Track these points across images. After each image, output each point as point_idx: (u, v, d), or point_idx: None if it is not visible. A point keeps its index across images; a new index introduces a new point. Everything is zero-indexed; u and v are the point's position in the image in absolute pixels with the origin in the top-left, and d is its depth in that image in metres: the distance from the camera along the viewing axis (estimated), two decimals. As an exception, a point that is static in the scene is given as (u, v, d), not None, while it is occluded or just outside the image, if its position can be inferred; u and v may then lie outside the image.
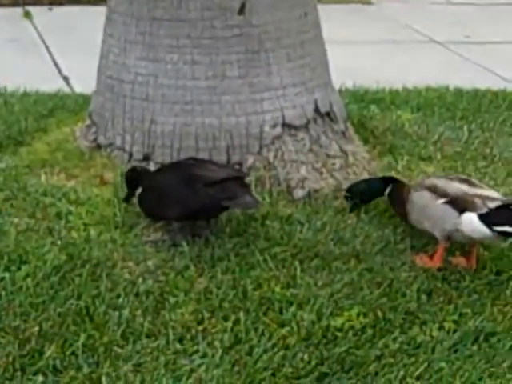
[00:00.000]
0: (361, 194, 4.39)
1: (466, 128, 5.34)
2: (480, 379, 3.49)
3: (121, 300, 3.75)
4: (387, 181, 4.36)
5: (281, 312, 3.75)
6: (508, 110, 5.65)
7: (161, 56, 4.49)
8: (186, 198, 4.03)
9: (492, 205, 3.90)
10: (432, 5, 7.99)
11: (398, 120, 5.33)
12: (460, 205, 3.95)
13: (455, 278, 4.02)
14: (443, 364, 3.53)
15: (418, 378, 3.49)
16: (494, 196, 3.99)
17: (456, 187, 4.03)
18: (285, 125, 4.55)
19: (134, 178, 4.26)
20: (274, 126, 4.53)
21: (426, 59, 6.70)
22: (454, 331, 3.70)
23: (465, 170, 4.86)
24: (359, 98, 5.60)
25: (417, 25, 7.40)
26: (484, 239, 3.99)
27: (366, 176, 4.62)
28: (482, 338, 3.68)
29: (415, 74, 6.15)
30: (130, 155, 4.54)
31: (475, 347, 3.63)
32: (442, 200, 4.00)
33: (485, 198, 3.93)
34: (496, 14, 7.79)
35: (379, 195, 4.37)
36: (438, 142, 5.16)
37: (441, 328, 3.72)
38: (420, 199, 4.09)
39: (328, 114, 4.67)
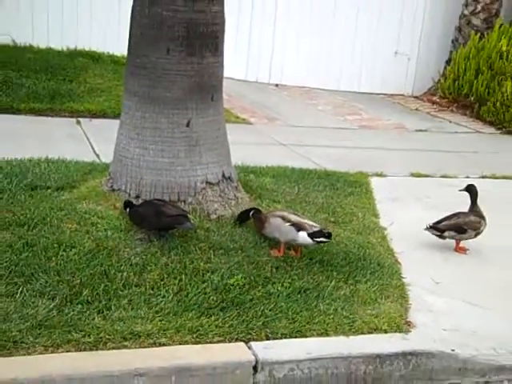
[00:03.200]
0: (240, 217, 4.39)
1: (296, 187, 5.39)
2: (300, 312, 3.54)
3: (122, 267, 3.72)
4: (251, 209, 4.36)
5: (203, 276, 3.75)
6: (317, 179, 5.71)
7: (146, 146, 4.43)
8: (156, 221, 4.04)
9: (314, 229, 3.99)
10: (281, 126, 8.06)
11: (263, 182, 5.35)
12: (297, 227, 4.01)
13: (290, 260, 4.05)
14: (283, 304, 3.58)
15: (270, 310, 3.51)
16: (314, 224, 4.07)
17: (294, 217, 4.10)
18: (207, 182, 4.50)
19: (126, 204, 4.26)
20: (201, 183, 4.49)
21: (278, 153, 6.72)
22: (289, 287, 3.73)
23: (295, 207, 4.89)
24: (244, 170, 5.57)
25: (274, 135, 7.45)
26: (309, 245, 4.05)
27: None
28: (302, 291, 3.72)
29: (272, 159, 6.15)
30: (129, 195, 4.46)
31: (299, 295, 3.67)
32: (288, 223, 4.06)
33: (310, 225, 4.02)
34: (315, 133, 7.82)
35: (248, 217, 4.36)
36: (283, 193, 5.20)
37: (282, 285, 3.74)
38: (275, 222, 4.12)
39: (229, 177, 4.64)
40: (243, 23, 10.11)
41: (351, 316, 3.56)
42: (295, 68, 10.35)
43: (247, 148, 6.37)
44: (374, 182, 5.96)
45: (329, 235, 3.99)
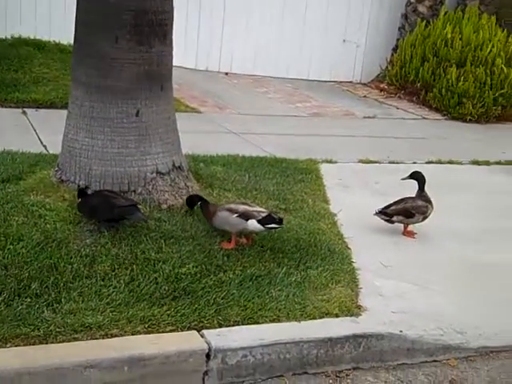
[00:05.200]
0: (189, 203, 4.35)
1: (247, 175, 5.39)
2: (252, 298, 3.55)
3: (72, 259, 3.65)
4: (199, 198, 4.31)
5: (154, 265, 3.72)
6: (268, 167, 5.74)
7: (95, 136, 4.37)
8: (108, 212, 3.98)
9: (263, 215, 3.99)
10: (231, 114, 8.05)
11: (213, 170, 5.34)
12: (245, 216, 4.00)
13: (241, 248, 4.05)
14: (235, 291, 3.57)
15: (222, 298, 3.51)
16: (262, 210, 4.07)
17: (242, 207, 4.09)
18: (158, 172, 4.47)
19: (80, 193, 4.19)
20: (152, 173, 4.45)
21: (228, 141, 6.70)
22: (240, 275, 3.74)
23: (246, 195, 4.91)
24: (195, 159, 5.54)
25: (224, 123, 7.43)
26: (259, 232, 4.06)
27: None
28: (254, 278, 3.73)
29: (222, 147, 6.13)
30: (78, 186, 4.38)
31: (251, 283, 3.69)
32: (236, 215, 4.03)
33: (259, 212, 4.02)
34: (265, 121, 7.84)
35: (195, 204, 4.31)
36: (233, 181, 5.19)
37: (234, 273, 3.74)
38: (223, 214, 4.09)
39: (179, 167, 4.61)
40: (192, 11, 10.03)
41: (303, 302, 3.59)
42: (245, 56, 10.33)
43: (197, 137, 6.32)
44: (324, 168, 6.00)
45: (280, 220, 4.00)
